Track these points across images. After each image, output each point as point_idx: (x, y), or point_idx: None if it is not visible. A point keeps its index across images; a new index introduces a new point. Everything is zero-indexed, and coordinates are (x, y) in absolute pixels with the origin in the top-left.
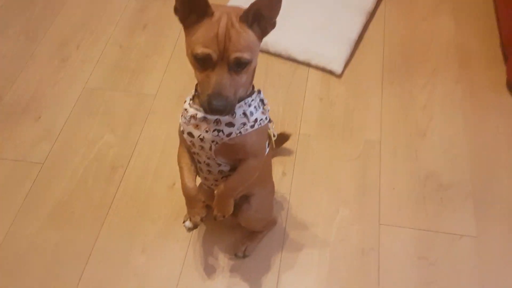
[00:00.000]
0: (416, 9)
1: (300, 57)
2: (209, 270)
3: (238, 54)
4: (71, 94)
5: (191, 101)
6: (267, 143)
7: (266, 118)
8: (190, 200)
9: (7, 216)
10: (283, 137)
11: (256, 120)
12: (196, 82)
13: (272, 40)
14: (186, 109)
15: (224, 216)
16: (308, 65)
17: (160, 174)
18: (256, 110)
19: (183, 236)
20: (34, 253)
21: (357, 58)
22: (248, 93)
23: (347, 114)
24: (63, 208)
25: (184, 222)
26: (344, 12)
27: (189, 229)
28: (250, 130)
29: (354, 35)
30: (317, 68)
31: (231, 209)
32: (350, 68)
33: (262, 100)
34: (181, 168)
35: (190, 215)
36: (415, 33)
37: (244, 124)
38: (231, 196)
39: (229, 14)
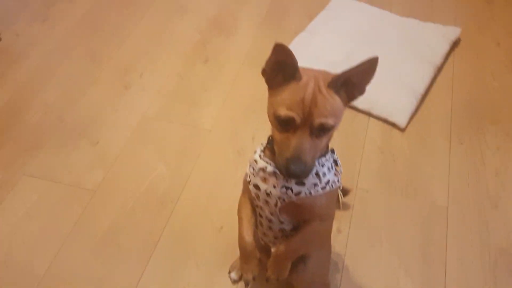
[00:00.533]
0: (486, 66)
1: (361, 105)
2: None
3: (323, 120)
4: (129, 122)
5: (262, 153)
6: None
7: (338, 181)
8: (245, 255)
9: (54, 243)
10: (342, 192)
11: (328, 181)
12: (269, 134)
13: None
14: (256, 160)
15: (278, 279)
16: (368, 114)
17: (209, 214)
18: (329, 171)
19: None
20: (76, 285)
21: (422, 112)
22: (323, 152)
23: (411, 171)
24: (110, 240)
25: (230, 272)
26: (413, 63)
27: (235, 281)
28: (320, 192)
29: (421, 87)
30: (379, 118)
31: (287, 271)
32: (414, 123)
33: (335, 161)
34: (240, 219)
35: (242, 271)
36: (485, 91)
37: (316, 184)
38: (290, 258)
39: (317, 79)
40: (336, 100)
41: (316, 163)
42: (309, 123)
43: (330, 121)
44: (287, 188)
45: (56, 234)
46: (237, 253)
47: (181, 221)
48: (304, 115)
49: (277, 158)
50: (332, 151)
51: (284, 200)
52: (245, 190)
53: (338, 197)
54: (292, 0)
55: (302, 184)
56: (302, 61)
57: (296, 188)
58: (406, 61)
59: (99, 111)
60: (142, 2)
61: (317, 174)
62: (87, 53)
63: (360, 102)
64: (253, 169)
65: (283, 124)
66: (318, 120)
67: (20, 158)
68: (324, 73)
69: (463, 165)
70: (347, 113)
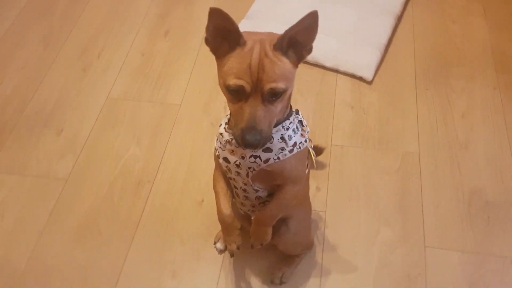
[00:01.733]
0: (445, 11)
1: (328, 63)
2: None
3: (272, 85)
4: (94, 104)
5: (226, 125)
6: (306, 165)
7: (305, 141)
8: (226, 227)
9: (31, 236)
10: (316, 151)
11: (295, 144)
12: None
13: None
14: (221, 134)
15: (261, 244)
16: (336, 71)
17: (188, 189)
18: (295, 133)
19: (214, 259)
20: (60, 275)
21: (387, 63)
22: (285, 115)
23: (382, 123)
24: (89, 227)
25: (215, 243)
26: (372, 15)
27: (221, 251)
28: (289, 155)
29: (384, 38)
30: (346, 74)
31: (269, 237)
32: (381, 75)
33: (301, 122)
34: (216, 193)
35: (226, 243)
36: (447, 36)
37: (283, 149)
38: (270, 224)
39: (262, 43)
40: (284, 62)
41: (281, 127)
42: (260, 89)
43: (280, 85)
44: (255, 157)
45: (32, 227)
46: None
47: (161, 199)
48: (253, 82)
49: (233, 129)
50: (297, 112)
51: (254, 169)
52: (217, 164)
53: (311, 157)
54: None
55: (269, 150)
56: (263, 24)
57: (264, 156)
58: (366, 15)
59: (60, 97)
60: None
61: (282, 138)
62: (39, 39)
63: (327, 59)
64: (220, 142)
65: (234, 94)
66: (268, 86)
67: None
68: (270, 35)
69: (430, 111)
70: (316, 73)
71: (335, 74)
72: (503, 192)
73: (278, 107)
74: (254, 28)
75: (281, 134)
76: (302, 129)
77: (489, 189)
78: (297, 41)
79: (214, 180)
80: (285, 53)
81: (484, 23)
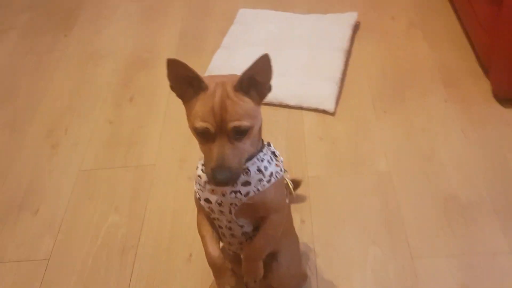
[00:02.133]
0: (388, 41)
1: (291, 102)
2: None
3: (236, 123)
4: (67, 180)
5: (203, 167)
6: (286, 194)
7: (280, 170)
8: (217, 270)
9: None
10: (294, 184)
11: (271, 174)
12: None
13: None
14: (199, 176)
15: (255, 281)
16: (300, 108)
17: (174, 247)
18: (270, 163)
19: None
20: None
21: (346, 94)
22: (258, 148)
23: (351, 149)
24: None
25: None
26: (324, 54)
27: None
28: (267, 185)
29: (338, 72)
30: (310, 109)
31: (262, 271)
32: (342, 105)
33: (273, 153)
34: (202, 237)
35: (219, 286)
36: (394, 62)
37: (261, 180)
38: (260, 257)
39: (223, 85)
40: (246, 102)
41: (256, 160)
42: (225, 129)
43: (245, 123)
44: (235, 192)
45: None
46: (211, 276)
47: (148, 262)
48: (217, 123)
49: (205, 169)
50: (268, 144)
51: (236, 204)
52: (199, 208)
53: (289, 187)
54: (201, 20)
55: (248, 183)
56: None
57: (244, 189)
58: (318, 53)
59: (32, 178)
60: (50, 60)
61: (259, 170)
62: (4, 124)
63: (290, 99)
64: (199, 184)
65: (202, 136)
66: (231, 124)
67: None
68: (232, 77)
69: (392, 131)
70: (282, 112)
71: (300, 111)
72: (474, 193)
73: (246, 143)
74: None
75: (257, 166)
76: (276, 160)
77: (460, 193)
78: (257, 81)
79: (198, 224)
80: (246, 93)
81: (425, 44)
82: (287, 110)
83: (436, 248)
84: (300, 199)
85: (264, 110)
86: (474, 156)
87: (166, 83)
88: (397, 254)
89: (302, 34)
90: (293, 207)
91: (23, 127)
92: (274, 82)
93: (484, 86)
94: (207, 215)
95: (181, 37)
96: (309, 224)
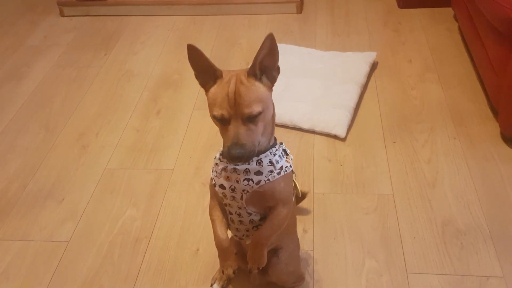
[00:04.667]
0: (404, 80)
1: (305, 125)
2: None
3: (248, 110)
4: (93, 176)
5: (220, 156)
6: (293, 191)
7: (290, 166)
8: (222, 252)
9: None
10: (301, 194)
11: (282, 167)
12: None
13: (278, 112)
14: (217, 164)
15: (258, 268)
16: (313, 132)
17: (183, 242)
18: (281, 158)
19: None
20: None
21: (357, 123)
22: (271, 144)
23: (357, 172)
24: (92, 284)
25: (211, 285)
26: (340, 85)
27: None
28: (277, 176)
29: (352, 103)
30: (322, 134)
31: (265, 259)
32: (352, 132)
33: (285, 150)
34: (213, 221)
35: (223, 268)
36: (407, 99)
37: (271, 171)
38: (265, 244)
39: (238, 74)
40: (258, 87)
41: (268, 153)
42: (240, 113)
43: (256, 108)
44: (248, 180)
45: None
46: (215, 268)
47: (159, 253)
48: (231, 108)
49: (223, 149)
50: (281, 143)
51: (247, 191)
52: (213, 194)
53: (296, 186)
54: (229, 51)
55: (260, 173)
56: None
57: (256, 178)
58: (335, 84)
59: (61, 173)
60: (88, 74)
61: (271, 162)
62: (40, 125)
63: (303, 122)
64: (216, 172)
65: (220, 121)
66: (244, 110)
67: None
68: (245, 69)
69: (399, 159)
70: (295, 135)
71: (312, 134)
72: (472, 221)
73: (259, 127)
74: None
75: (270, 159)
76: (286, 157)
77: (459, 219)
78: (266, 66)
79: (210, 209)
80: (259, 79)
81: (438, 86)
82: (300, 133)
83: (430, 266)
84: (305, 211)
85: (278, 131)
86: (476, 188)
87: (191, 101)
88: (392, 268)
89: (321, 67)
90: (297, 218)
91: (57, 129)
92: (289, 106)
93: (492, 127)
94: (219, 201)
95: None
96: (310, 234)
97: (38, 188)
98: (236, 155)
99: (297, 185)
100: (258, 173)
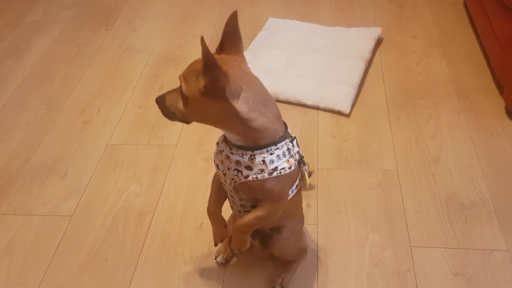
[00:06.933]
0: (408, 56)
1: (309, 101)
2: None
3: (180, 79)
4: (95, 151)
5: (224, 137)
6: (294, 187)
7: (289, 168)
8: (211, 219)
9: (40, 268)
10: (308, 188)
11: (275, 168)
12: None
13: (281, 88)
14: (218, 143)
15: (240, 250)
16: (317, 108)
17: (187, 217)
18: (279, 159)
19: (216, 274)
20: None
21: (362, 99)
22: (268, 142)
23: (361, 148)
24: (96, 256)
25: (216, 258)
26: (344, 60)
27: (221, 264)
28: (267, 177)
29: (356, 79)
30: (326, 110)
31: (247, 245)
32: (357, 108)
33: (289, 150)
34: (211, 190)
35: (213, 237)
36: (412, 75)
37: (262, 170)
38: (246, 232)
39: (223, 57)
40: (200, 80)
41: (265, 151)
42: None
43: (183, 85)
44: (238, 171)
45: (40, 260)
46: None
47: (162, 227)
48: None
49: None
50: (291, 141)
51: (236, 181)
52: (216, 166)
53: (304, 179)
54: None
55: (250, 169)
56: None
57: (245, 172)
58: (339, 60)
59: (63, 148)
60: (89, 50)
61: (263, 161)
62: (41, 101)
63: (307, 98)
64: (216, 150)
65: None
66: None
67: None
68: (239, 57)
69: (403, 135)
70: (299, 111)
71: (316, 110)
72: (476, 195)
73: (184, 105)
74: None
75: (263, 157)
76: (289, 156)
77: (463, 193)
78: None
79: (213, 178)
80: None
81: (443, 61)
82: (304, 109)
83: (434, 240)
84: (309, 186)
85: (281, 107)
86: (480, 162)
87: None
88: (396, 241)
89: (325, 42)
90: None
91: (59, 105)
92: (293, 82)
93: (497, 102)
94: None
95: (212, 40)
96: (314, 209)
97: (40, 163)
98: (156, 99)
99: (306, 177)
100: (248, 168)
